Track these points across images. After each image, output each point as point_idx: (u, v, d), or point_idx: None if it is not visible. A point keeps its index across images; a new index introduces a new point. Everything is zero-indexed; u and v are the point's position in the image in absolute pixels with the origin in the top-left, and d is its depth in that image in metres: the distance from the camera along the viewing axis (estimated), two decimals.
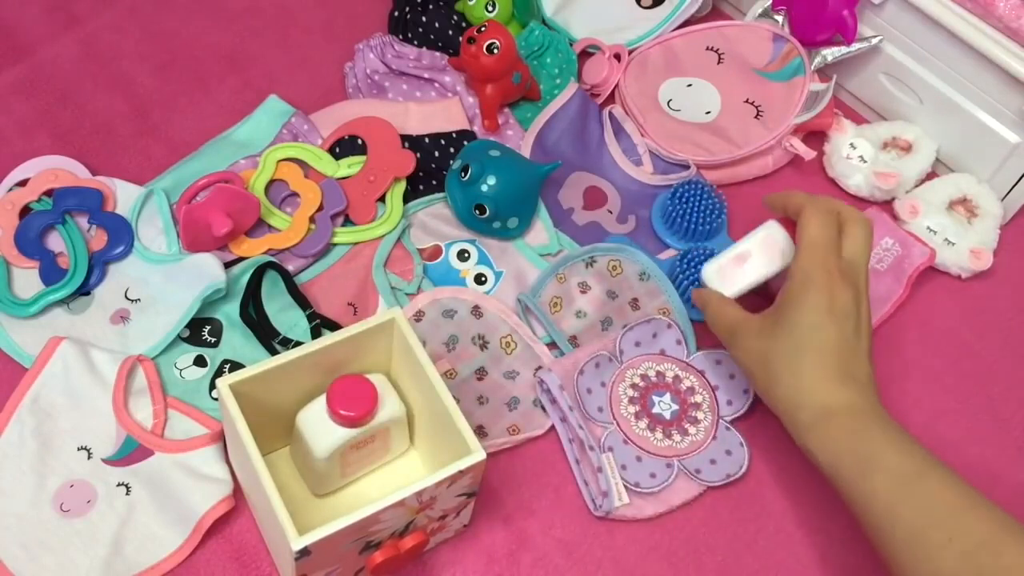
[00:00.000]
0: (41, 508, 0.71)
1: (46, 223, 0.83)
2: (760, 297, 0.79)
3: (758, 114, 0.96)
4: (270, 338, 0.80)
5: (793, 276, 0.70)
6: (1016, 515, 0.80)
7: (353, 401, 0.66)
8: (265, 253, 0.84)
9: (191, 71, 0.99)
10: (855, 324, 0.70)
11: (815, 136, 1.00)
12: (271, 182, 0.88)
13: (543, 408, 0.80)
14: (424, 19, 0.99)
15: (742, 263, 0.77)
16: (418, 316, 0.82)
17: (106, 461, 0.73)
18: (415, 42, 0.99)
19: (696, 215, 0.90)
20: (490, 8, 1.00)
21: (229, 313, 0.82)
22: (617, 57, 1.00)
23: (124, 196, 0.86)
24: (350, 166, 0.90)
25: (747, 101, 0.97)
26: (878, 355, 0.87)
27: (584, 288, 0.86)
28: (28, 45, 0.99)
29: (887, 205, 0.96)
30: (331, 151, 0.91)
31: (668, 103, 0.99)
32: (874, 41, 0.97)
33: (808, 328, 0.69)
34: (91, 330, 0.80)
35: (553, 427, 0.80)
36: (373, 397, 0.67)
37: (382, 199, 0.88)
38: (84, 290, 0.81)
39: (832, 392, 0.68)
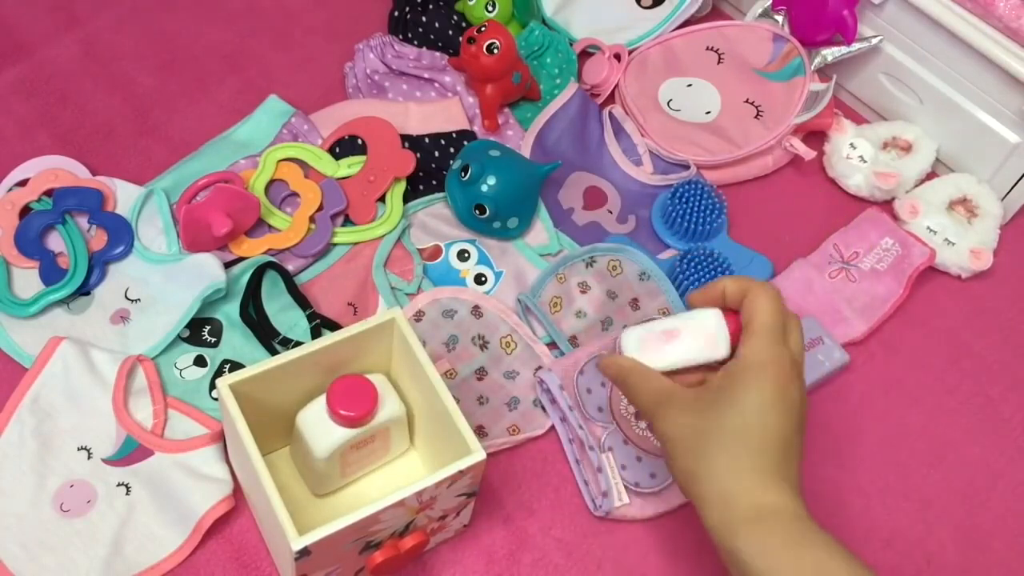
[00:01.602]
0: (41, 508, 0.71)
1: (46, 223, 0.83)
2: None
3: (758, 114, 0.96)
4: (270, 338, 0.80)
5: (743, 358, 0.62)
6: (1014, 513, 0.80)
7: (353, 401, 0.66)
8: (265, 253, 0.84)
9: (191, 71, 0.99)
10: (798, 422, 0.62)
11: (815, 136, 1.00)
12: (271, 182, 0.88)
13: (543, 408, 0.80)
14: (424, 19, 0.99)
15: (669, 340, 0.66)
16: (418, 316, 0.82)
17: (106, 461, 0.73)
18: (415, 42, 0.99)
19: (696, 215, 0.90)
20: (490, 8, 1.00)
21: (229, 313, 0.82)
22: (617, 57, 1.00)
23: (124, 196, 0.86)
24: (350, 166, 0.90)
25: (747, 101, 0.97)
26: (879, 355, 0.87)
27: (584, 288, 0.86)
28: (28, 45, 0.99)
29: (887, 205, 0.97)
30: (331, 151, 0.91)
31: (668, 103, 0.99)
32: (874, 41, 0.97)
33: (755, 411, 0.61)
34: (91, 330, 0.80)
35: (553, 427, 0.80)
36: (373, 397, 0.67)
37: (382, 199, 0.88)
38: (84, 290, 0.81)
39: (770, 490, 0.60)
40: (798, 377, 0.63)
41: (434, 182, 0.92)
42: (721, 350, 0.65)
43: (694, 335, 0.66)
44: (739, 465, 0.61)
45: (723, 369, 0.63)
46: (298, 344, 0.79)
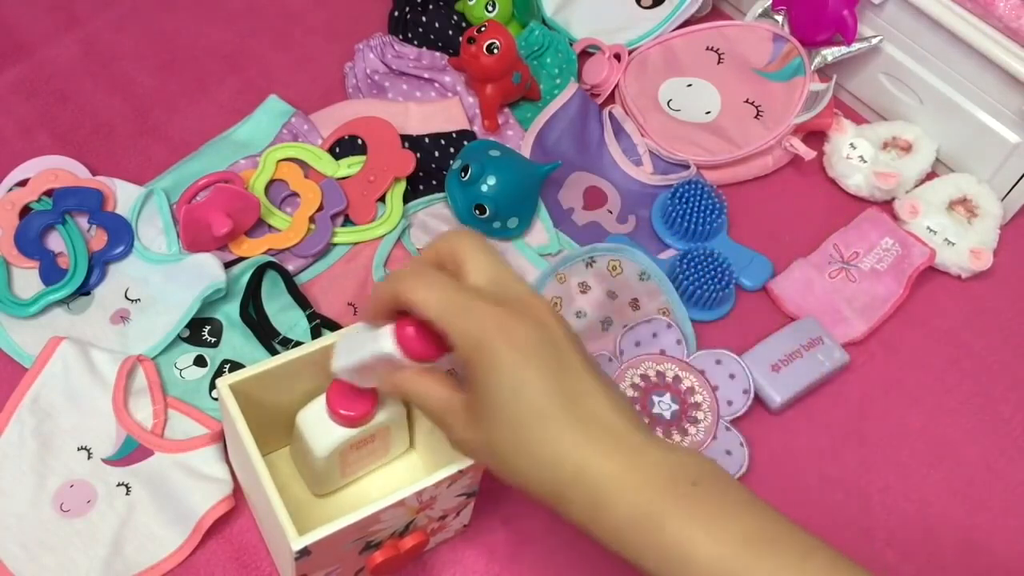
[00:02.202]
0: (41, 508, 0.71)
1: (46, 223, 0.83)
2: None
3: (758, 114, 0.96)
4: (270, 338, 0.80)
5: (458, 347, 0.52)
6: (1014, 513, 0.80)
7: (353, 401, 0.66)
8: (265, 253, 0.84)
9: (191, 71, 0.99)
10: (555, 351, 0.52)
11: (815, 136, 1.00)
12: (271, 182, 0.88)
13: None
14: (424, 19, 0.99)
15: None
16: None
17: (106, 461, 0.73)
18: (415, 42, 0.99)
19: (696, 215, 0.90)
20: (490, 8, 1.00)
21: (229, 313, 0.82)
22: (617, 57, 1.00)
23: (124, 196, 0.86)
24: (350, 166, 0.90)
25: (747, 101, 0.97)
26: (879, 355, 0.87)
27: (584, 288, 0.86)
28: (28, 45, 0.99)
29: (887, 205, 0.97)
30: (331, 151, 0.91)
31: (668, 103, 0.99)
32: (874, 41, 0.97)
33: (510, 394, 0.50)
34: (91, 330, 0.80)
35: None
36: (373, 397, 0.67)
37: (382, 199, 0.88)
38: (84, 290, 0.81)
39: (588, 465, 0.50)
40: (516, 317, 0.52)
41: (434, 182, 0.92)
42: (383, 343, 0.56)
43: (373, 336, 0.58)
44: (541, 456, 0.51)
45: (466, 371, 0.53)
46: (298, 344, 0.79)
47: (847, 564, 0.50)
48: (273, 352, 0.79)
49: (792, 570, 0.48)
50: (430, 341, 0.55)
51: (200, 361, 0.80)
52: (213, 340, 0.81)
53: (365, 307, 0.57)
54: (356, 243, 0.87)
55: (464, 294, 0.52)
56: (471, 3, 1.00)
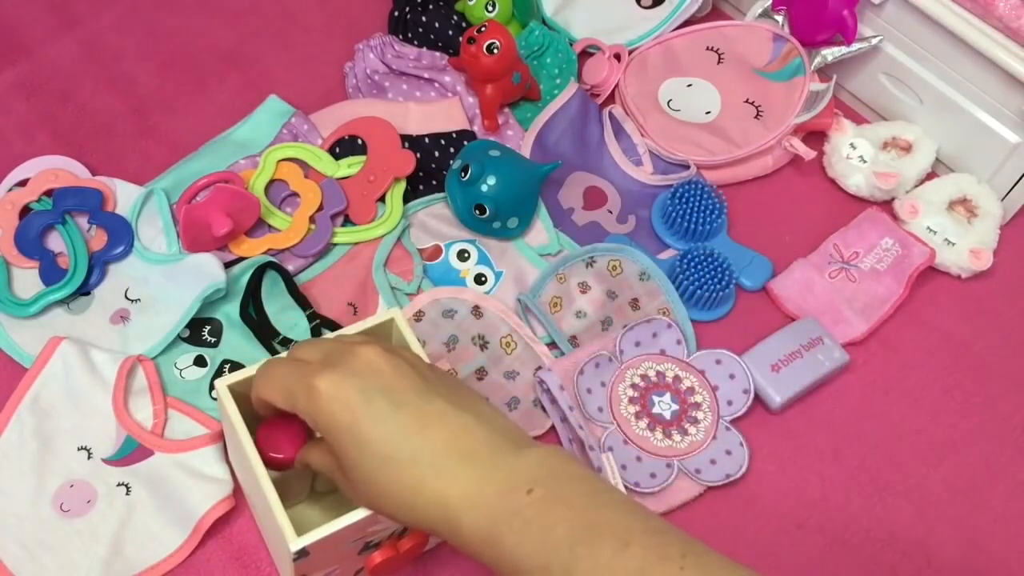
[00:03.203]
0: (41, 508, 0.71)
1: (46, 223, 0.83)
2: None
3: (758, 114, 0.96)
4: (270, 338, 0.80)
5: (309, 422, 0.55)
6: (1014, 513, 0.80)
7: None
8: (265, 253, 0.84)
9: (191, 71, 0.99)
10: (386, 393, 0.53)
11: (815, 136, 0.99)
12: (271, 182, 0.88)
13: (543, 408, 0.80)
14: (424, 19, 0.99)
15: None
16: (418, 316, 0.82)
17: (106, 461, 0.73)
18: (415, 42, 0.99)
19: (696, 215, 0.90)
20: (490, 8, 1.00)
21: (229, 313, 0.82)
22: (617, 57, 1.00)
23: (124, 196, 0.86)
24: (350, 166, 0.90)
25: (747, 101, 0.97)
26: (879, 355, 0.87)
27: (584, 288, 0.86)
28: (28, 45, 0.99)
29: (887, 205, 0.96)
30: (331, 151, 0.91)
31: (668, 103, 0.99)
32: (874, 41, 0.97)
33: (355, 448, 0.53)
34: (91, 330, 0.80)
35: (553, 427, 0.80)
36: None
37: (382, 199, 0.88)
38: (84, 290, 0.81)
39: (441, 493, 0.51)
40: (342, 373, 0.54)
41: (434, 182, 0.92)
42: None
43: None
44: (419, 491, 0.52)
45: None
46: None
47: (670, 553, 0.48)
48: (273, 352, 0.79)
49: (607, 568, 0.48)
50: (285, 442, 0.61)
51: (200, 361, 0.80)
52: (213, 340, 0.81)
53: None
54: (356, 243, 0.87)
55: (294, 371, 0.55)
56: (471, 3, 1.00)
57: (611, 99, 1.01)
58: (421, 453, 0.52)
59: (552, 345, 0.84)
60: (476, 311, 0.83)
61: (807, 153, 0.95)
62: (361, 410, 0.53)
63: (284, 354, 0.60)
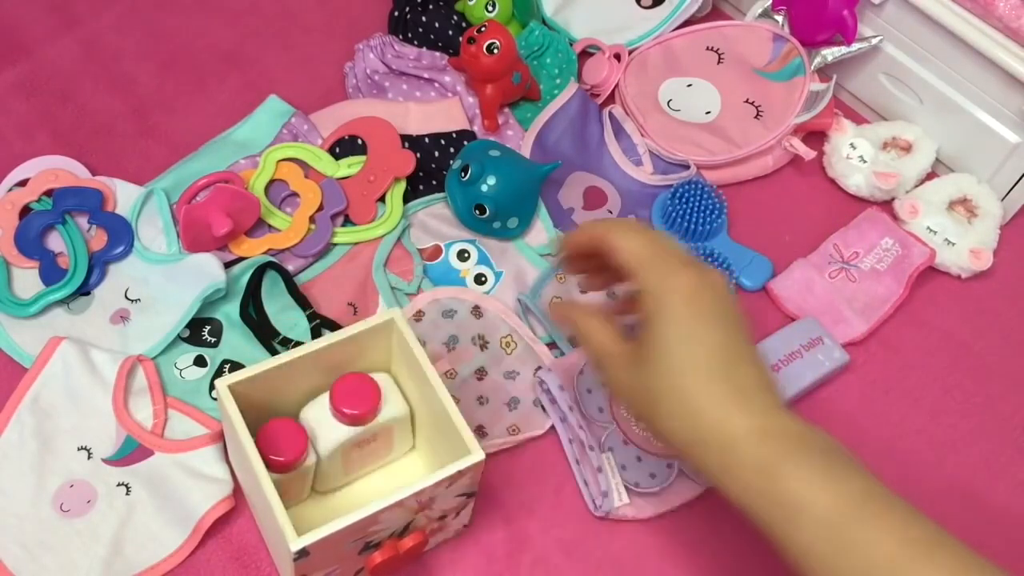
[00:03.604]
0: (41, 508, 0.71)
1: (46, 223, 0.83)
2: None
3: (758, 114, 0.96)
4: (270, 338, 0.80)
5: (647, 293, 0.59)
6: (1014, 513, 0.80)
7: (356, 399, 0.66)
8: (265, 253, 0.84)
9: (191, 71, 0.99)
10: (725, 319, 0.58)
11: (815, 136, 0.99)
12: (271, 182, 0.88)
13: (543, 408, 0.80)
14: (424, 19, 0.99)
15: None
16: (418, 316, 0.82)
17: (106, 461, 0.73)
18: (415, 42, 0.99)
19: (696, 215, 0.90)
20: (490, 8, 1.00)
21: (229, 313, 0.82)
22: (617, 57, 1.00)
23: (124, 196, 0.86)
24: (350, 166, 0.90)
25: (747, 101, 0.97)
26: (879, 355, 0.87)
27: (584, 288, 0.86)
28: (28, 45, 0.99)
29: (887, 205, 0.96)
30: (331, 151, 0.91)
31: (668, 103, 0.99)
32: (874, 41, 0.97)
33: (680, 342, 0.57)
34: (91, 330, 0.80)
35: (553, 427, 0.80)
36: (376, 396, 0.67)
37: (382, 199, 0.88)
38: (84, 290, 0.81)
39: (729, 417, 0.56)
40: (702, 282, 0.59)
41: (434, 182, 0.92)
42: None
43: None
44: (690, 404, 0.56)
45: (642, 317, 0.60)
46: (298, 344, 0.79)
47: (945, 534, 0.54)
48: (273, 352, 0.79)
49: (895, 531, 0.52)
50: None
51: (200, 361, 0.80)
52: (213, 340, 0.81)
53: (566, 237, 0.66)
54: (356, 243, 0.87)
55: (664, 251, 0.60)
56: (471, 3, 1.00)
57: (611, 99, 1.01)
58: (731, 378, 0.57)
59: (552, 345, 0.84)
60: (476, 311, 0.83)
61: (807, 153, 0.95)
62: (705, 316, 0.57)
63: (631, 221, 0.65)
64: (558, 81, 1.00)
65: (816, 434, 0.56)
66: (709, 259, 0.86)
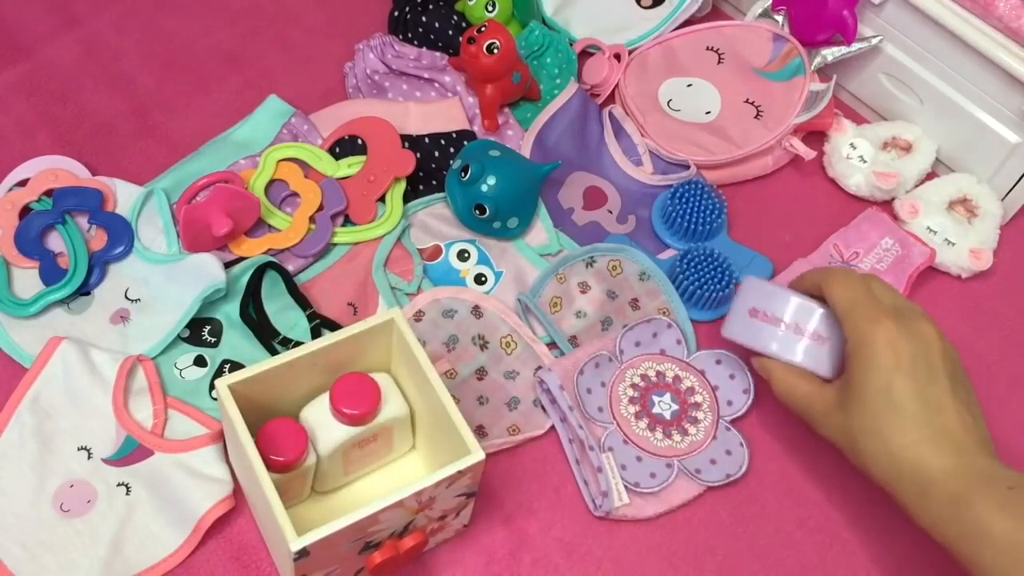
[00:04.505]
0: (41, 508, 0.71)
1: (46, 223, 0.83)
2: None
3: (758, 114, 0.96)
4: (270, 338, 0.80)
5: (849, 341, 0.67)
6: None
7: (356, 399, 0.66)
8: (265, 253, 0.84)
9: (191, 71, 0.99)
10: (928, 369, 0.65)
11: (815, 136, 0.99)
12: (271, 182, 0.88)
13: (543, 408, 0.80)
14: (424, 19, 0.99)
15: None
16: (418, 316, 0.82)
17: (106, 461, 0.73)
18: (415, 42, 0.99)
19: (696, 215, 0.90)
20: (490, 8, 1.00)
21: (229, 313, 0.82)
22: (617, 57, 1.00)
23: (124, 196, 0.86)
24: (350, 166, 0.90)
25: (747, 101, 0.97)
26: None
27: (584, 288, 0.86)
28: (28, 45, 0.99)
29: (887, 205, 0.96)
30: (331, 151, 0.91)
31: (668, 103, 0.99)
32: (874, 41, 0.97)
33: (877, 392, 0.64)
34: (91, 330, 0.80)
35: (553, 427, 0.80)
36: (376, 396, 0.67)
37: (382, 199, 0.88)
38: (84, 290, 0.81)
39: (924, 458, 0.63)
40: (904, 328, 0.65)
41: (434, 182, 0.92)
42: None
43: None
44: (888, 447, 0.63)
45: (845, 360, 0.67)
46: (298, 344, 0.79)
47: None
48: (273, 352, 0.79)
49: None
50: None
51: (200, 361, 0.80)
52: (213, 340, 0.81)
53: (796, 283, 0.75)
54: (356, 243, 0.87)
55: (869, 301, 0.67)
56: (471, 3, 1.00)
57: (611, 99, 1.01)
58: (928, 424, 0.63)
59: (552, 345, 0.84)
60: (476, 311, 0.83)
61: (807, 153, 0.95)
62: (904, 365, 0.64)
63: (849, 271, 0.71)
64: (558, 81, 1.00)
65: (1008, 473, 0.62)
66: (709, 259, 0.86)
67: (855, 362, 0.66)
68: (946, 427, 0.63)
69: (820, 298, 0.73)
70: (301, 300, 0.82)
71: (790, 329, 0.74)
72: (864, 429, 0.65)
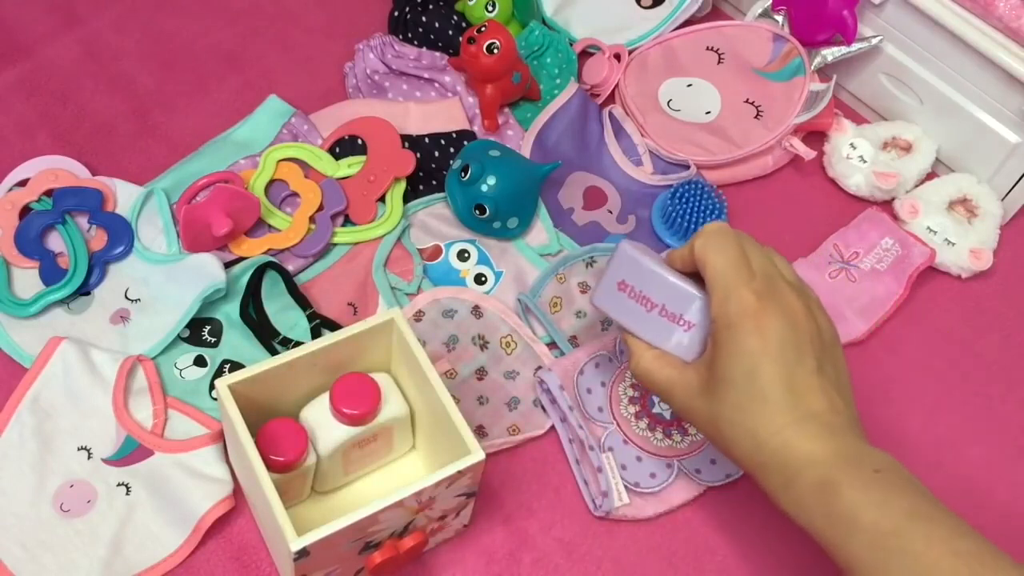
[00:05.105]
0: (41, 508, 0.71)
1: (46, 223, 0.83)
2: None
3: (758, 114, 0.96)
4: (270, 338, 0.80)
5: (715, 321, 0.62)
6: (1014, 513, 0.80)
7: (356, 399, 0.66)
8: (265, 253, 0.84)
9: (191, 71, 0.99)
10: (796, 350, 0.60)
11: (815, 136, 1.00)
12: (271, 182, 0.88)
13: (543, 408, 0.80)
14: (424, 19, 0.99)
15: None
16: (418, 316, 0.82)
17: (106, 461, 0.73)
18: (415, 42, 0.99)
19: (696, 215, 0.90)
20: (490, 8, 1.00)
21: (229, 313, 0.82)
22: (617, 57, 1.00)
23: (124, 196, 0.86)
24: (350, 166, 0.90)
25: (747, 101, 0.97)
26: (878, 355, 0.87)
27: (584, 288, 0.86)
28: (28, 45, 0.99)
29: (887, 205, 0.96)
30: (331, 151, 0.91)
31: (668, 103, 0.99)
32: (874, 41, 0.97)
33: (743, 377, 0.60)
34: (91, 330, 0.80)
35: (553, 427, 0.80)
36: (376, 396, 0.67)
37: (382, 199, 0.88)
38: (84, 290, 0.81)
39: (790, 444, 0.59)
40: (772, 305, 0.60)
41: (434, 182, 0.92)
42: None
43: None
44: (755, 434, 0.60)
45: (709, 338, 0.63)
46: (298, 344, 0.79)
47: (993, 548, 0.56)
48: (273, 352, 0.79)
49: (942, 542, 0.55)
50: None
51: (200, 361, 0.80)
52: (213, 340, 0.81)
53: (672, 253, 0.68)
54: (356, 243, 0.87)
55: (741, 274, 0.61)
56: (471, 3, 1.00)
57: (611, 99, 1.01)
58: (795, 409, 0.59)
59: (552, 345, 0.84)
60: (476, 311, 0.83)
61: (807, 153, 0.95)
62: (770, 348, 0.59)
63: (726, 234, 0.64)
64: (558, 81, 1.00)
65: (873, 454, 0.60)
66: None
67: (720, 344, 0.61)
68: (812, 410, 0.59)
69: (695, 272, 0.66)
70: (301, 300, 0.82)
71: (662, 315, 0.66)
72: (728, 418, 0.61)
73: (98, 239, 0.83)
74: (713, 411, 0.62)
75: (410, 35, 1.00)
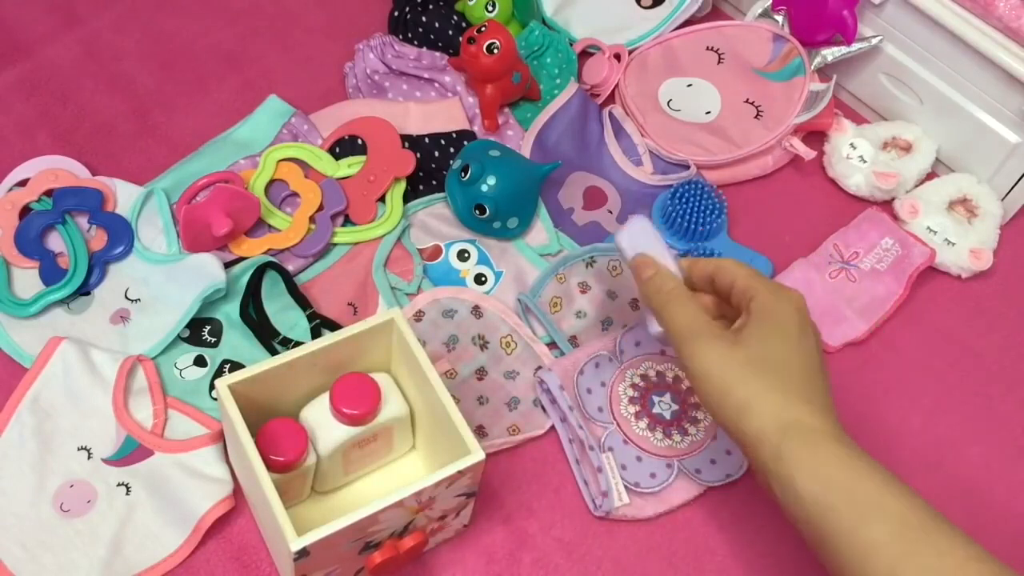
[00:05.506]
0: (41, 508, 0.71)
1: (46, 223, 0.83)
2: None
3: (758, 114, 0.96)
4: (270, 338, 0.80)
5: (760, 305, 0.66)
6: (1014, 513, 0.80)
7: (356, 399, 0.66)
8: (265, 253, 0.84)
9: (191, 71, 0.99)
10: (801, 333, 0.66)
11: (815, 136, 0.99)
12: (271, 182, 0.88)
13: (543, 408, 0.80)
14: (424, 19, 0.99)
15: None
16: (418, 316, 0.82)
17: (106, 461, 0.73)
18: (415, 42, 0.99)
19: (696, 215, 0.90)
20: (490, 8, 1.00)
21: (229, 313, 0.82)
22: (617, 57, 1.00)
23: (124, 196, 0.86)
24: (350, 166, 0.90)
25: (747, 101, 0.97)
26: (879, 355, 0.87)
27: (584, 288, 0.86)
28: (28, 45, 0.99)
29: (887, 205, 0.96)
30: (331, 151, 0.91)
31: (668, 103, 0.99)
32: (874, 41, 0.97)
33: (784, 346, 0.64)
34: (91, 330, 0.80)
35: (553, 427, 0.80)
36: (376, 396, 0.67)
37: (382, 199, 0.88)
38: (84, 290, 0.81)
39: (811, 413, 0.62)
40: (804, 307, 0.67)
41: (434, 182, 0.92)
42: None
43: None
44: (773, 389, 0.63)
45: (745, 312, 0.67)
46: (298, 344, 0.79)
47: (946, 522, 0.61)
48: (273, 352, 0.79)
49: (888, 492, 0.59)
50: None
51: (200, 361, 0.80)
52: (213, 340, 0.81)
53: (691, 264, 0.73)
54: (356, 243, 0.87)
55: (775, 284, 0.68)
56: (471, 3, 1.00)
57: (611, 99, 1.01)
58: (813, 382, 0.64)
59: (552, 345, 0.84)
60: (476, 311, 0.83)
61: (807, 153, 0.95)
62: (808, 331, 0.66)
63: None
64: (558, 81, 1.00)
65: (837, 431, 0.63)
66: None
67: (763, 320, 0.65)
68: (825, 404, 0.64)
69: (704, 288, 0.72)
70: (301, 300, 0.82)
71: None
72: (752, 366, 0.64)
73: (98, 239, 0.83)
74: (740, 356, 0.64)
75: (410, 35, 1.00)
